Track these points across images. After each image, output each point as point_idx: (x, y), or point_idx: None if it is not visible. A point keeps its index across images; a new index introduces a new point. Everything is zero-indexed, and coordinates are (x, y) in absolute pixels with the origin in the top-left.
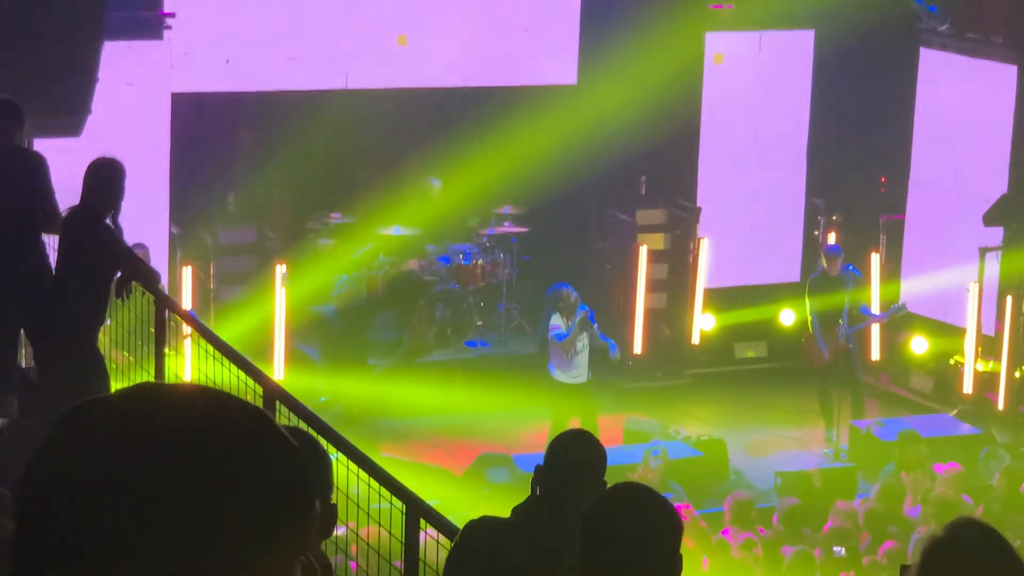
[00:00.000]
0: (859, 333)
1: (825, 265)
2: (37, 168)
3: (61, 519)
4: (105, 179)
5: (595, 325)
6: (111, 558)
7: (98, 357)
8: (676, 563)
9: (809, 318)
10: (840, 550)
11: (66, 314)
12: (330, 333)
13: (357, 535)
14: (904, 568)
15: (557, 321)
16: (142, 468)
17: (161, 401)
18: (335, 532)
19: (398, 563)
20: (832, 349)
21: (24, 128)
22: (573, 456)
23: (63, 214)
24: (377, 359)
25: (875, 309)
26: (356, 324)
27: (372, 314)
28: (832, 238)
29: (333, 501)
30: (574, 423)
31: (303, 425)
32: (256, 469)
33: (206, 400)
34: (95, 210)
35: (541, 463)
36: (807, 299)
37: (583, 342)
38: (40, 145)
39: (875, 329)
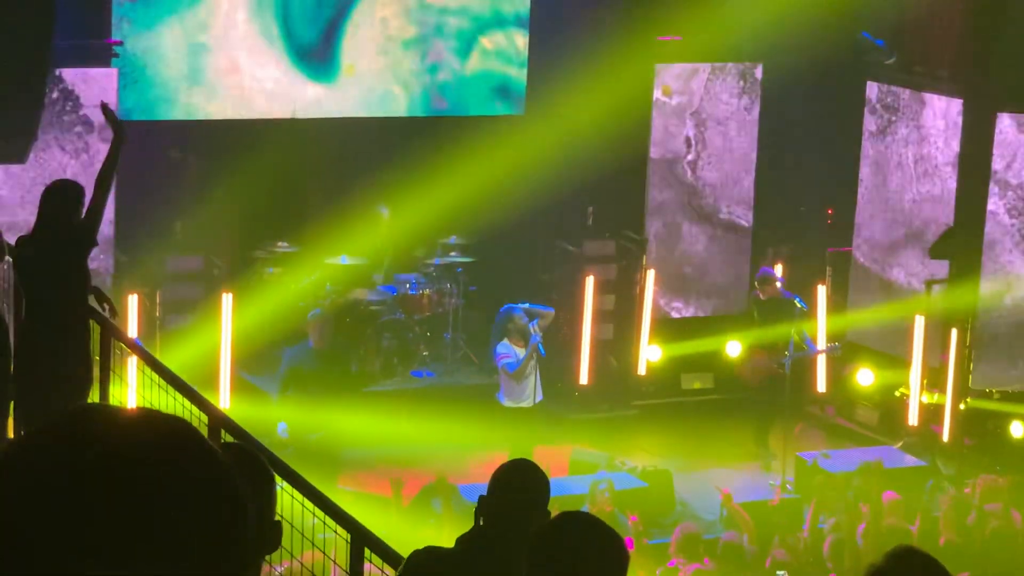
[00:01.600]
0: (796, 363)
1: (758, 290)
2: None
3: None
4: (74, 200)
5: (544, 355)
6: None
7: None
8: None
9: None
10: (782, 574)
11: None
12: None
13: (301, 563)
14: None
15: (506, 349)
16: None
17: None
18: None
19: None
20: (764, 372)
21: None
22: (516, 486)
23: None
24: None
25: (820, 341)
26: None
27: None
28: (779, 270)
29: (277, 519)
30: (536, 450)
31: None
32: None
33: (141, 420)
34: (74, 231)
35: (485, 493)
36: (753, 317)
37: (532, 364)
38: None
39: (821, 361)
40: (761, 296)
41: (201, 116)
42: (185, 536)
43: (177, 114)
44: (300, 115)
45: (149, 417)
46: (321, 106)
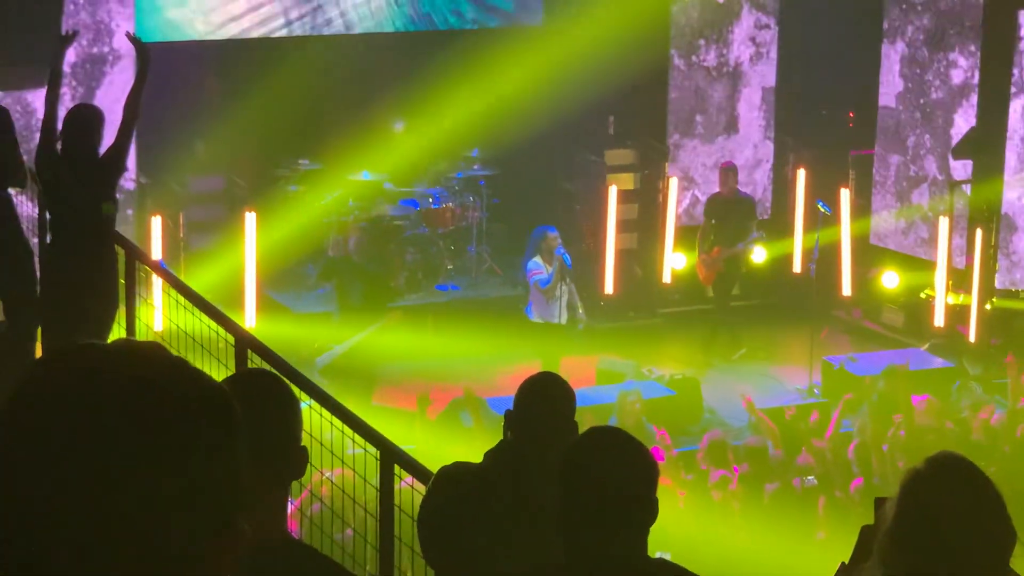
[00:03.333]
0: (820, 266)
1: (719, 183)
2: (1, 122)
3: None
4: (97, 123)
5: (570, 267)
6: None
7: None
8: (652, 507)
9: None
10: (811, 479)
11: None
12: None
13: (332, 480)
14: (879, 501)
15: (537, 266)
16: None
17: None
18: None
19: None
20: (710, 269)
21: None
22: (542, 399)
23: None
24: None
25: (847, 245)
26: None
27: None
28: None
29: (304, 444)
30: (563, 360)
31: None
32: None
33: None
34: (101, 156)
35: (511, 407)
36: (704, 217)
37: (562, 288)
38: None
39: (845, 264)
40: (721, 192)
41: (219, 36)
42: (190, 453)
43: (194, 34)
44: (318, 32)
45: (134, 347)
46: (340, 22)
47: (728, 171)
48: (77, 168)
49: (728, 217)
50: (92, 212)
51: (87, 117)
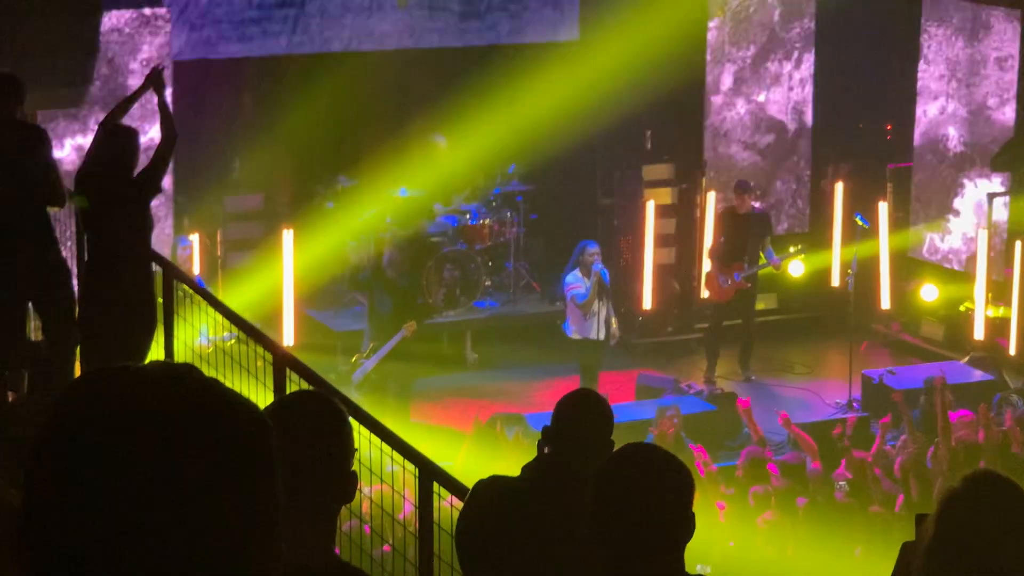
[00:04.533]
0: (859, 280)
1: (735, 201)
2: (41, 142)
3: (68, 492)
4: (132, 141)
5: (608, 285)
6: (121, 533)
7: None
8: (689, 523)
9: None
10: (842, 484)
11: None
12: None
13: (371, 498)
14: (920, 517)
15: (576, 280)
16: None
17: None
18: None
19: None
20: (729, 287)
21: (25, 102)
22: (579, 416)
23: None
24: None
25: (885, 258)
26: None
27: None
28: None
29: (354, 468)
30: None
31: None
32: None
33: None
34: (129, 172)
35: (549, 423)
36: (714, 231)
37: (599, 304)
38: (44, 117)
39: (884, 277)
40: (737, 209)
41: (255, 53)
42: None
43: (231, 52)
44: (354, 48)
45: (168, 370)
46: (375, 38)
47: (743, 187)
48: (112, 188)
49: (744, 233)
50: (127, 232)
51: (121, 137)
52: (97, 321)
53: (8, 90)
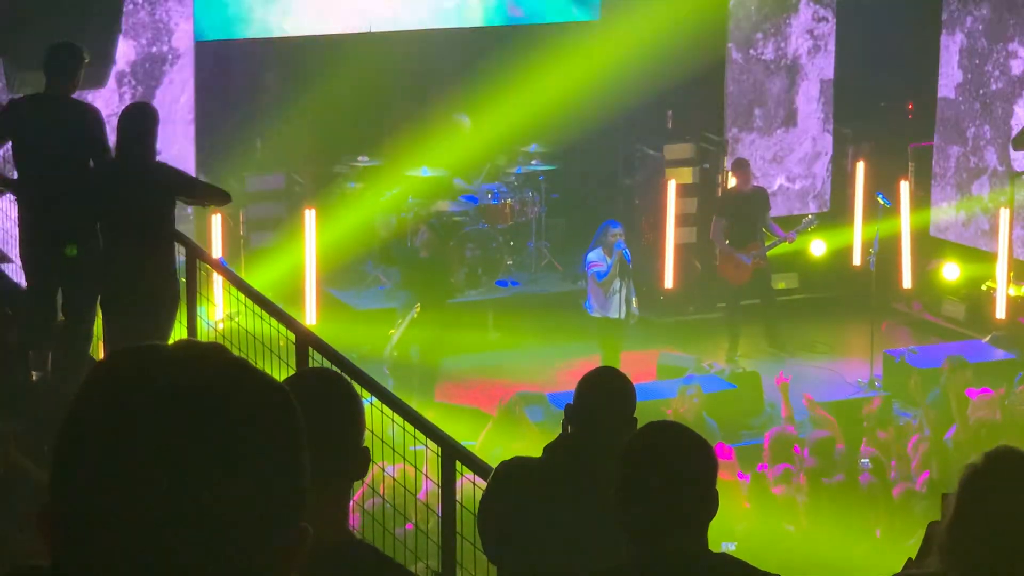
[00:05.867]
0: (880, 259)
1: (735, 180)
2: (97, 120)
3: (97, 470)
4: (152, 124)
5: (630, 264)
6: (151, 511)
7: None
8: (713, 501)
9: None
10: (866, 462)
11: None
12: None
13: (394, 478)
14: (946, 496)
15: (598, 257)
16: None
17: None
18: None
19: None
20: (749, 266)
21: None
22: (601, 394)
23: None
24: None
25: (907, 237)
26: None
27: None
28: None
29: (366, 444)
30: (623, 355)
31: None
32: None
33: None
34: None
35: (571, 402)
36: (716, 215)
37: (620, 284)
38: None
39: (906, 256)
40: (739, 187)
41: (277, 34)
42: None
43: (253, 32)
44: (375, 29)
45: (195, 348)
46: (397, 19)
47: (741, 165)
48: (130, 168)
49: (745, 211)
50: (146, 213)
51: (141, 116)
52: (118, 303)
53: (63, 63)
